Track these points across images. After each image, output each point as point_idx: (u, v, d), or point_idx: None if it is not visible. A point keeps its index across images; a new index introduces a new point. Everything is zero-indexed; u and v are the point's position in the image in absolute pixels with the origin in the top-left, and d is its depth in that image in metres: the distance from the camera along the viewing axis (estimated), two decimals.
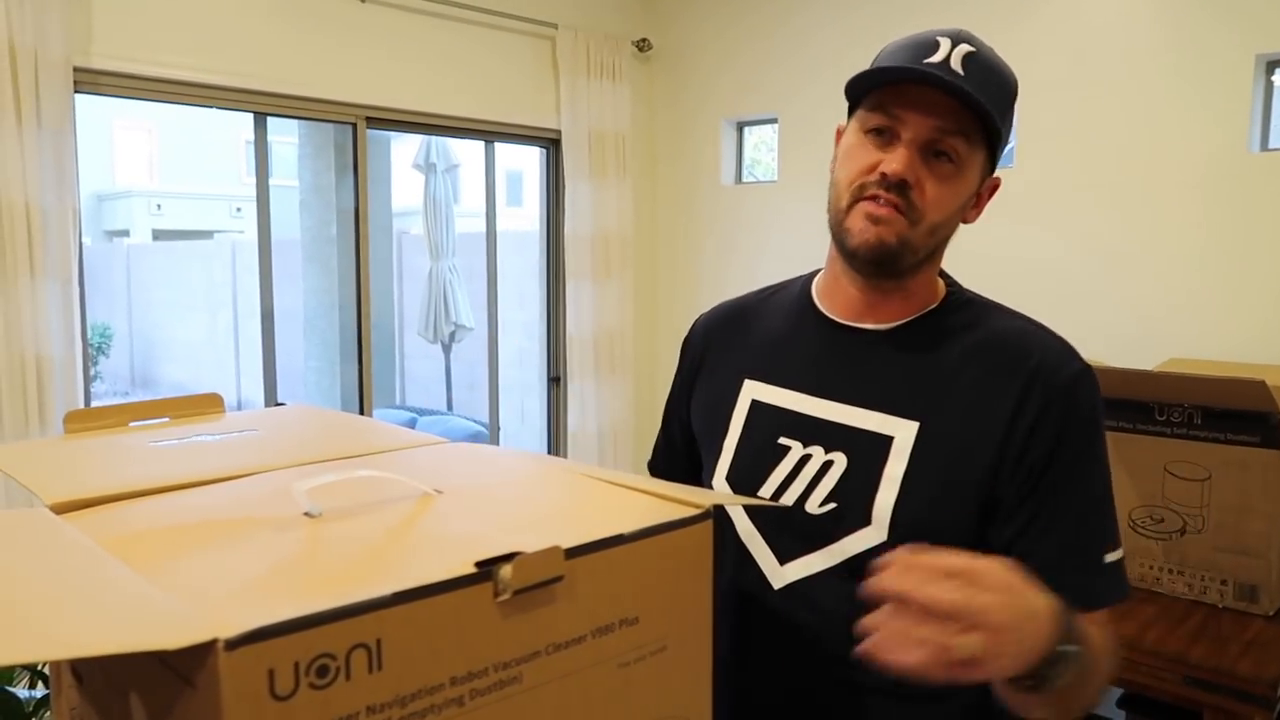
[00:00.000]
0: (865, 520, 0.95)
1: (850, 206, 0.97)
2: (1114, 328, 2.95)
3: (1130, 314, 2.95)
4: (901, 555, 0.73)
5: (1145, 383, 2.01)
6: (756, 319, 1.14)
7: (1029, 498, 0.93)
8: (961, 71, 0.92)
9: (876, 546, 0.94)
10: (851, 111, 1.02)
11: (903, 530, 0.94)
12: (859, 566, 0.95)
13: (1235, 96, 2.74)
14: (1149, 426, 1.99)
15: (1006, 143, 1.01)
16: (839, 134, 1.04)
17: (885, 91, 0.95)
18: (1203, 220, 2.81)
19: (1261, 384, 1.79)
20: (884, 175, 0.93)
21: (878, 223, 0.94)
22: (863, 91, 0.98)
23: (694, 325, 1.21)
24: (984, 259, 3.11)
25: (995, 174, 1.02)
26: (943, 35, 0.95)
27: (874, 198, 0.94)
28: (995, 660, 0.71)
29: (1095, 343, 2.72)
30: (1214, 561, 1.93)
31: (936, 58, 0.93)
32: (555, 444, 4.17)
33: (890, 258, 0.95)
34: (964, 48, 0.94)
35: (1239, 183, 2.74)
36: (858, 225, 0.95)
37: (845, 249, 0.98)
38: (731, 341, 1.14)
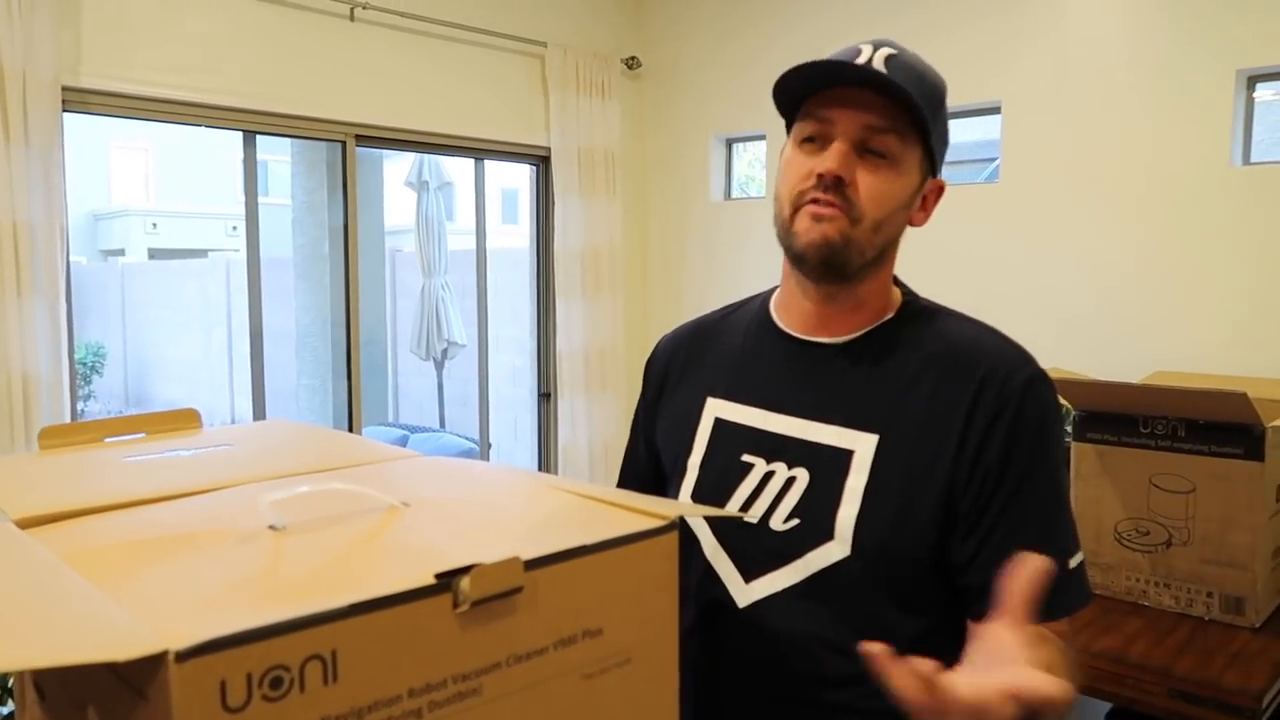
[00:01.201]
0: (828, 535, 0.95)
1: (794, 214, 0.98)
2: (1098, 341, 2.96)
3: (1114, 327, 2.96)
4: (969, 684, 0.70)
5: (1129, 395, 2.01)
6: (717, 337, 1.14)
7: (987, 508, 0.93)
8: (884, 70, 0.94)
9: (840, 562, 0.94)
10: (789, 128, 1.03)
11: (865, 545, 0.93)
12: (822, 582, 0.95)
13: (1217, 111, 2.76)
14: (1133, 439, 1.99)
15: (945, 145, 1.02)
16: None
17: (814, 100, 0.97)
18: (1186, 234, 2.83)
19: (1244, 396, 1.80)
20: (819, 176, 0.94)
21: (821, 220, 0.95)
22: (794, 105, 1.00)
23: (656, 347, 1.21)
24: (967, 273, 3.14)
25: (939, 177, 1.03)
26: (865, 43, 0.97)
27: (814, 200, 0.95)
28: None
29: (1079, 356, 2.73)
30: (1200, 574, 1.93)
31: (859, 60, 0.95)
32: (546, 459, 4.17)
33: (837, 256, 0.96)
34: (886, 50, 0.96)
35: (1222, 196, 2.76)
36: (803, 226, 0.96)
37: (794, 253, 0.99)
38: (693, 361, 1.14)
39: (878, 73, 0.93)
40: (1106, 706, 2.03)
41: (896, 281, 1.07)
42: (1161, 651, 1.80)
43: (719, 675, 1.01)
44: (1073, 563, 0.93)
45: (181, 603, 0.54)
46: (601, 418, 3.97)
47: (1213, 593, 1.92)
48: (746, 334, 1.11)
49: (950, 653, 0.96)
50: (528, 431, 4.56)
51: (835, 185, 0.94)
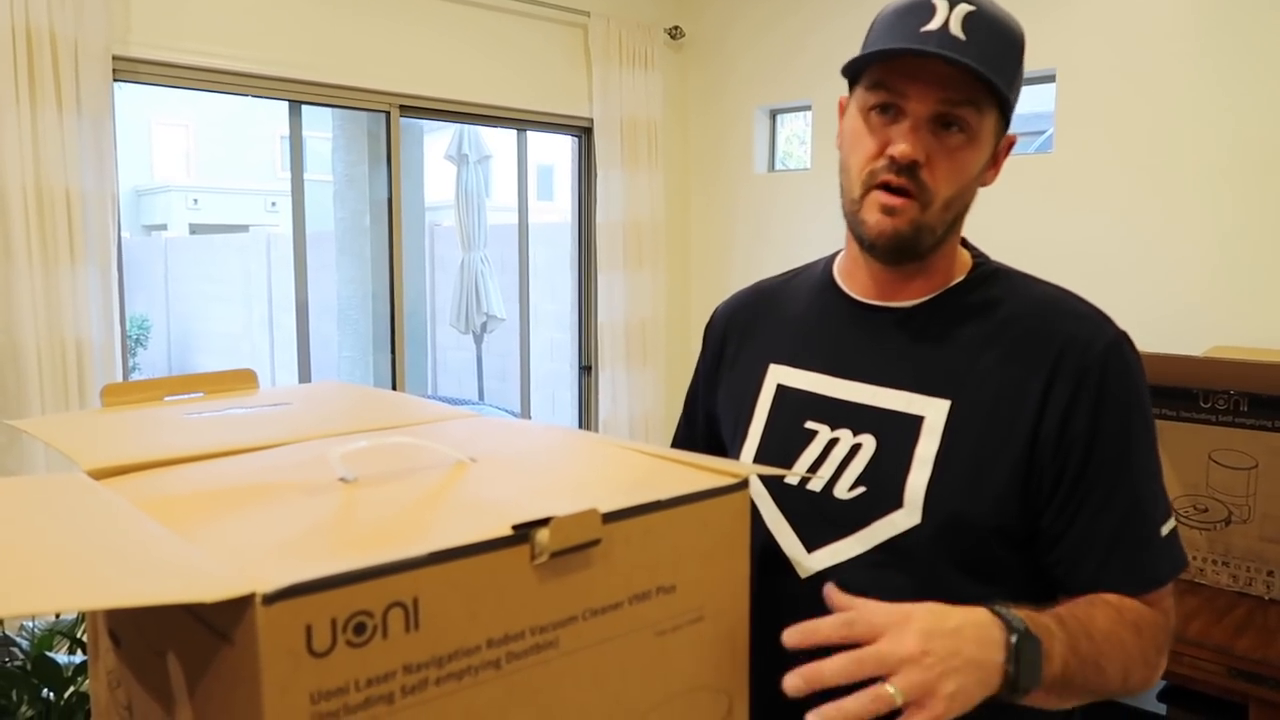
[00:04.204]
0: (897, 503, 0.92)
1: (864, 195, 0.93)
2: (1157, 314, 2.89)
3: (1174, 300, 2.89)
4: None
5: (1190, 369, 1.96)
6: (779, 302, 1.11)
7: (1079, 479, 0.89)
8: (963, 35, 0.87)
9: (909, 530, 0.91)
10: (853, 86, 0.98)
11: (936, 512, 0.90)
12: (890, 552, 0.92)
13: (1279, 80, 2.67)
14: (1193, 414, 1.95)
15: (1019, 95, 0.96)
16: (841, 106, 1.00)
17: (884, 66, 0.91)
18: (1247, 206, 2.75)
19: None
20: (892, 159, 0.90)
21: (892, 214, 0.91)
22: (862, 67, 0.94)
23: (715, 312, 1.18)
24: (1025, 244, 3.07)
25: (1009, 132, 0.98)
26: None
27: (885, 184, 0.91)
28: (943, 687, 0.70)
29: (1138, 329, 2.65)
30: (1260, 552, 1.89)
31: (934, 24, 0.87)
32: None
33: (908, 244, 0.92)
34: (963, 7, 0.88)
35: None
36: (873, 218, 0.92)
37: (863, 241, 0.95)
38: (754, 326, 1.11)
39: (959, 57, 0.86)
40: (1160, 684, 2.00)
41: (965, 243, 1.03)
42: (1220, 630, 1.77)
43: (781, 647, 0.98)
44: (1165, 529, 0.91)
45: (262, 549, 0.54)
46: (642, 391, 3.96)
47: (1274, 571, 1.87)
48: (810, 299, 1.08)
49: None
50: (566, 405, 4.57)
51: (909, 168, 0.90)
